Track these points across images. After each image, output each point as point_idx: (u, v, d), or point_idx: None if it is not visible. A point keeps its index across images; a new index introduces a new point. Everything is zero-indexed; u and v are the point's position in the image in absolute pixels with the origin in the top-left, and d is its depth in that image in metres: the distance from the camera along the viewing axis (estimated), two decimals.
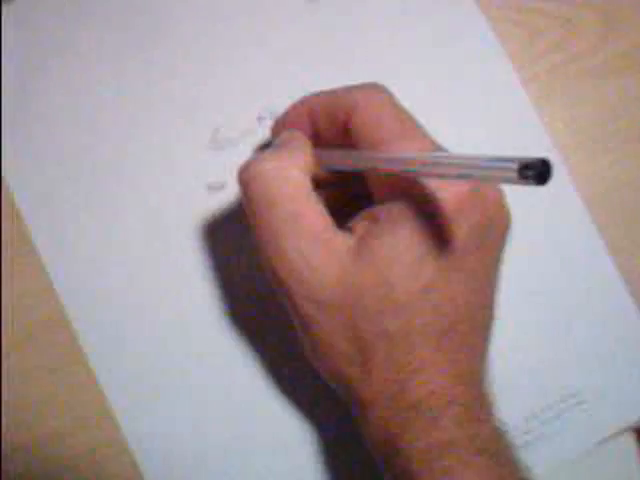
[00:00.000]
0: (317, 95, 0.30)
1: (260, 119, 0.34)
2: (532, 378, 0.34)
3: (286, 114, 0.31)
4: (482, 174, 0.21)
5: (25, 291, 0.33)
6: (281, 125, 0.31)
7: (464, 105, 0.35)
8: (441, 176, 0.24)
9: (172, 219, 0.33)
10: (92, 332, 0.33)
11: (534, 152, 0.34)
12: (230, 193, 0.34)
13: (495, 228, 0.27)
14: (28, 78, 0.34)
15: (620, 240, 0.35)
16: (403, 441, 0.25)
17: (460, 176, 0.23)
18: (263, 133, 0.34)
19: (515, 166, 0.19)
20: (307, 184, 0.27)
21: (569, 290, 0.34)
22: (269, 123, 0.34)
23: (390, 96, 0.28)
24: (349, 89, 0.29)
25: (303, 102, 0.30)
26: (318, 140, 0.29)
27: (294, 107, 0.30)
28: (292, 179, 0.27)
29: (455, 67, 0.35)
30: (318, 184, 0.29)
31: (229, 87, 0.34)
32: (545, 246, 0.35)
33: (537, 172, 0.19)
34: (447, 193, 0.26)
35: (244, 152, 0.34)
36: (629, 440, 0.35)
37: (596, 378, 0.34)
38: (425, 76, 0.35)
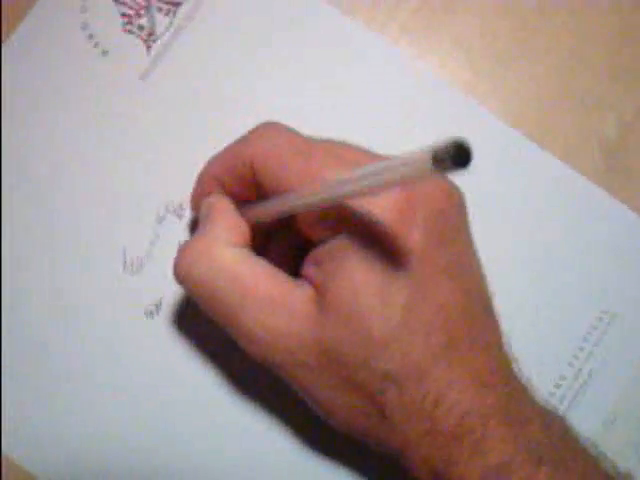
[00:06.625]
0: (217, 157, 0.28)
1: (160, 219, 0.32)
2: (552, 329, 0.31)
3: (195, 188, 0.29)
4: (395, 177, 0.19)
5: None
6: (195, 199, 0.29)
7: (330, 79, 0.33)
8: (359, 194, 0.22)
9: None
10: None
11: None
12: (165, 317, 0.31)
13: (449, 213, 0.25)
14: None
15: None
16: (454, 475, 0.23)
17: (372, 186, 0.20)
18: (168, 232, 0.31)
19: (429, 157, 0.17)
20: (241, 254, 0.25)
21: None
22: (171, 218, 0.32)
23: (284, 130, 0.26)
24: (243, 140, 0.27)
25: (206, 169, 0.28)
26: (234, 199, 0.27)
27: (199, 177, 0.28)
28: (223, 260, 0.25)
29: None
30: (270, 235, 0.27)
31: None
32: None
33: (453, 158, 0.16)
34: (382, 207, 0.23)
35: (163, 259, 0.31)
36: None
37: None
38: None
